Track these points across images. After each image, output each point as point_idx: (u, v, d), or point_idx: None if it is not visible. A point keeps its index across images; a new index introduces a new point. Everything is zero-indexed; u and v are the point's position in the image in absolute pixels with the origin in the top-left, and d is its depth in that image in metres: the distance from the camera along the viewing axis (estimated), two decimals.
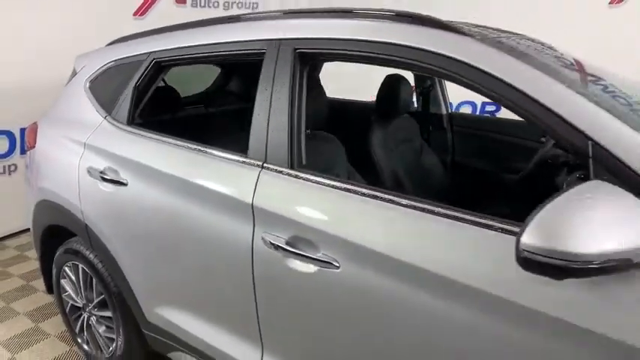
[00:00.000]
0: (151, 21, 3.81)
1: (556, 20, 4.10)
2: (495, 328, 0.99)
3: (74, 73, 2.18)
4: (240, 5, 4.42)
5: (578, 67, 1.47)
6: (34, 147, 2.17)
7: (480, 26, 1.54)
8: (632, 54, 4.02)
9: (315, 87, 1.87)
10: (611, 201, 0.82)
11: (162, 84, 2.31)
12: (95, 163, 1.82)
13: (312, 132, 1.83)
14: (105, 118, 1.90)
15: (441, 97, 2.59)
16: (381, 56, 1.24)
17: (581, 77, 1.43)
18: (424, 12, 1.28)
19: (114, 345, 1.98)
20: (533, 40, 1.55)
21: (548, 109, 0.99)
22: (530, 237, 0.79)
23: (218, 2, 4.29)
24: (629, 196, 0.83)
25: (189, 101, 2.67)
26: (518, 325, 0.96)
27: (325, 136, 1.84)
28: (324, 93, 2.23)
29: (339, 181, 1.25)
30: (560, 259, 0.77)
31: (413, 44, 1.19)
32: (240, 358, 1.50)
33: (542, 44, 1.55)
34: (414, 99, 2.56)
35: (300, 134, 1.39)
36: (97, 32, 2.28)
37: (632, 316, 0.85)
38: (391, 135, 2.23)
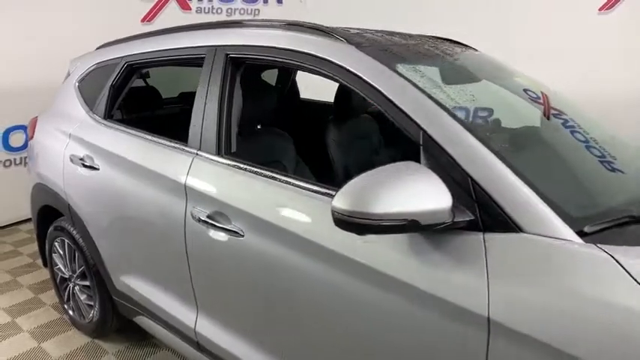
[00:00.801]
0: (158, 27, 4.10)
1: (545, 27, 4.20)
2: (341, 281, 1.21)
3: (68, 74, 2.50)
4: (242, 12, 4.68)
5: (543, 100, 1.65)
6: (33, 138, 2.50)
7: (386, 32, 1.76)
8: (621, 60, 4.08)
9: (268, 88, 2.10)
10: (413, 176, 1.03)
11: (143, 84, 2.60)
12: (77, 151, 2.12)
13: (264, 128, 2.08)
14: (87, 113, 2.20)
15: None
16: (282, 61, 1.49)
17: (543, 110, 1.62)
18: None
19: (92, 311, 2.28)
20: (436, 46, 1.74)
21: (391, 102, 1.21)
22: (338, 201, 1.01)
23: (221, 9, 4.56)
24: (431, 175, 1.03)
25: (174, 100, 2.96)
26: (361, 279, 1.18)
27: (274, 131, 2.08)
28: (296, 92, 2.44)
29: (250, 165, 1.49)
30: (358, 218, 0.98)
31: (296, 48, 1.44)
32: (182, 319, 1.76)
33: (438, 48, 1.73)
34: None
35: (230, 126, 1.63)
36: (107, 38, 2.57)
37: (431, 268, 1.06)
38: (347, 133, 2.43)
